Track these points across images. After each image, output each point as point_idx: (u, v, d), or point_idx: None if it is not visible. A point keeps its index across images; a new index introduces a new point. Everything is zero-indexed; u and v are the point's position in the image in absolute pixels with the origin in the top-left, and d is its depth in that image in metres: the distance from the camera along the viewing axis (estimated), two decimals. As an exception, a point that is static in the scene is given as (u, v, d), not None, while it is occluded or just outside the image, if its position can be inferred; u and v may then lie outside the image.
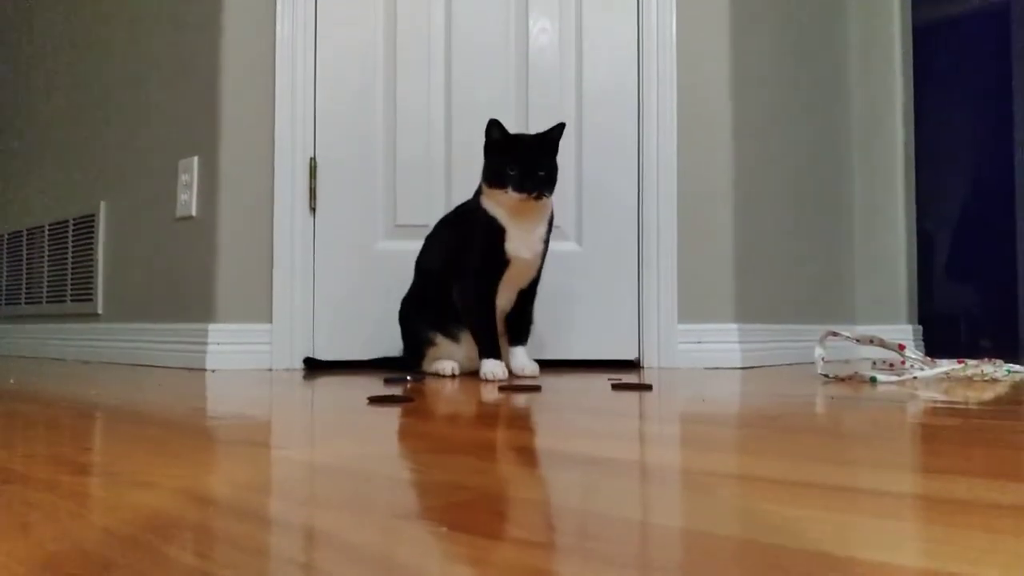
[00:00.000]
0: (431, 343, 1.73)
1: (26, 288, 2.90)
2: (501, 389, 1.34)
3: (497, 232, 1.63)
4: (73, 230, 2.61)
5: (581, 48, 2.11)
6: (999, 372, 1.55)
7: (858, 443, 0.74)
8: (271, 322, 1.95)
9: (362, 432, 0.81)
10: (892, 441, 0.75)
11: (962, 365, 1.56)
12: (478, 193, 1.69)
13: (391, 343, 1.94)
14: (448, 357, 1.72)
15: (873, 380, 1.47)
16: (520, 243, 1.64)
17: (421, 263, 1.81)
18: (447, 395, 1.26)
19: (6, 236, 3.09)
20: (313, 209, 2.00)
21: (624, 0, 2.11)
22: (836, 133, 2.75)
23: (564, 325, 2.04)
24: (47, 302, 2.75)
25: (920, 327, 2.87)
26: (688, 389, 1.40)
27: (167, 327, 2.10)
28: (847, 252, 2.77)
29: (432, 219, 2.05)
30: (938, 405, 1.09)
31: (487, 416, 0.96)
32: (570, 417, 0.97)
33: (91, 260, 2.49)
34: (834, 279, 2.68)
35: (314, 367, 1.92)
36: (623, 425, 0.89)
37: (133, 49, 2.38)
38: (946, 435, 0.79)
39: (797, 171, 2.46)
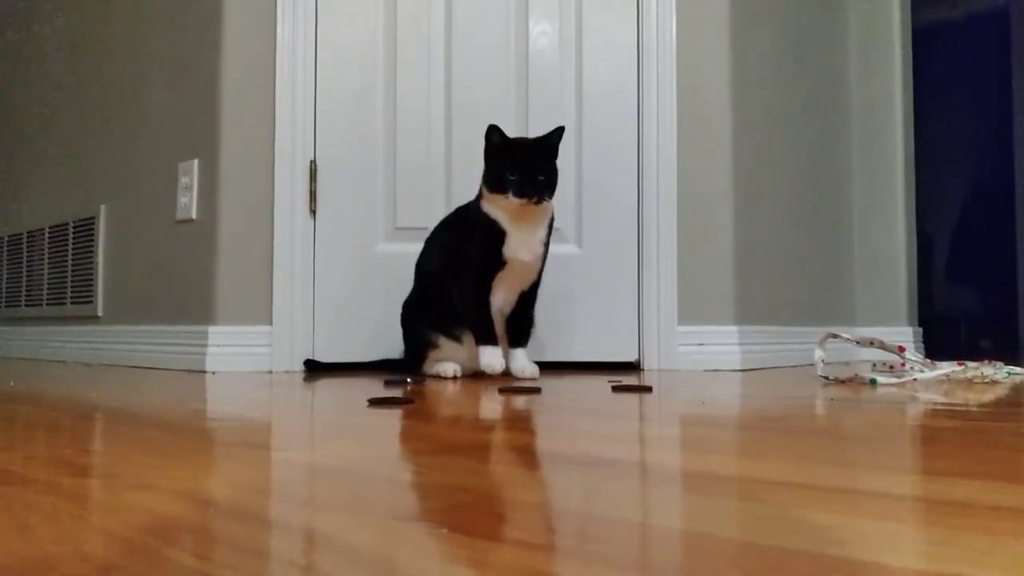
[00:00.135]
0: (433, 345, 1.73)
1: (26, 290, 2.90)
2: (501, 391, 1.34)
3: (497, 235, 1.63)
4: (73, 233, 2.61)
5: (581, 50, 2.11)
6: (999, 374, 1.55)
7: (858, 445, 0.74)
8: (271, 324, 1.95)
9: (362, 434, 0.81)
10: (892, 443, 0.75)
11: (962, 367, 1.56)
12: (479, 196, 1.69)
13: (391, 345, 1.94)
14: (450, 359, 1.71)
15: (873, 382, 1.47)
16: (519, 246, 1.64)
17: (421, 265, 1.81)
18: (447, 397, 1.26)
19: (6, 239, 3.09)
20: (313, 211, 2.00)
21: (624, 2, 2.11)
22: (836, 134, 2.75)
23: (564, 327, 2.04)
24: (47, 304, 2.75)
25: (920, 329, 2.87)
26: (688, 391, 1.40)
27: (167, 329, 2.10)
28: (847, 254, 2.77)
29: (432, 221, 2.05)
30: (938, 407, 1.09)
31: (487, 418, 0.96)
32: (570, 419, 0.97)
33: (91, 262, 2.49)
34: (834, 281, 2.68)
35: (315, 369, 1.92)
36: (623, 427, 0.89)
37: (133, 51, 2.38)
38: (946, 437, 0.79)
39: (797, 172, 2.46)
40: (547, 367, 1.88)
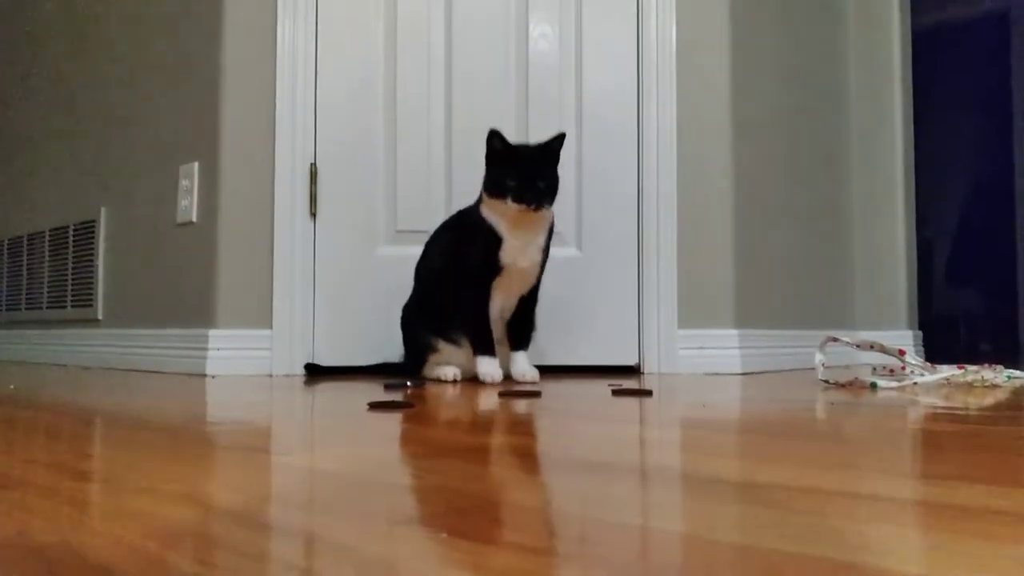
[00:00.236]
0: (433, 349, 1.73)
1: (26, 294, 2.90)
2: (501, 395, 1.33)
3: (494, 241, 1.63)
4: (74, 236, 2.62)
5: (581, 52, 2.12)
6: (999, 378, 1.55)
7: (858, 449, 0.74)
8: (271, 328, 1.95)
9: (362, 438, 0.81)
10: (892, 447, 0.75)
11: (962, 371, 1.56)
12: (479, 201, 1.69)
13: (392, 349, 1.94)
14: (450, 362, 1.72)
15: (873, 386, 1.47)
16: (518, 252, 1.64)
17: (421, 268, 1.81)
18: (447, 401, 1.26)
19: (7, 242, 3.09)
20: (313, 214, 2.01)
21: (624, 6, 2.11)
22: (836, 138, 2.75)
23: (564, 331, 2.04)
24: (47, 308, 2.75)
25: (920, 332, 2.87)
26: (688, 395, 1.40)
27: (167, 332, 2.10)
28: (847, 257, 2.77)
29: (432, 224, 2.05)
30: (938, 411, 1.09)
31: (487, 422, 0.96)
32: (570, 423, 0.97)
33: (91, 266, 2.49)
34: (834, 284, 2.68)
35: (315, 373, 1.92)
36: (623, 431, 0.89)
37: (133, 55, 2.38)
38: (946, 441, 0.79)
39: (797, 176, 2.46)
40: (547, 371, 1.88)
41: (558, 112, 2.10)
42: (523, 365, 1.69)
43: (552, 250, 1.77)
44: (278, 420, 1.02)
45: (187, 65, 2.12)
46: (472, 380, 1.69)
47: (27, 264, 2.92)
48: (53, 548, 0.39)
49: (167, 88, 2.21)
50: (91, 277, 2.49)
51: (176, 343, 2.05)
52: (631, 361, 2.05)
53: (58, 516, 0.46)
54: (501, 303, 1.68)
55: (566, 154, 2.10)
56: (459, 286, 1.67)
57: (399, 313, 1.83)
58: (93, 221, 2.51)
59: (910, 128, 2.85)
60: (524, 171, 1.60)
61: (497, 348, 1.68)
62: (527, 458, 0.68)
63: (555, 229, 1.76)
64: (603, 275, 2.07)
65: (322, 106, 2.02)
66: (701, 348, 2.03)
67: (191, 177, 2.06)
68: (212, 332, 1.93)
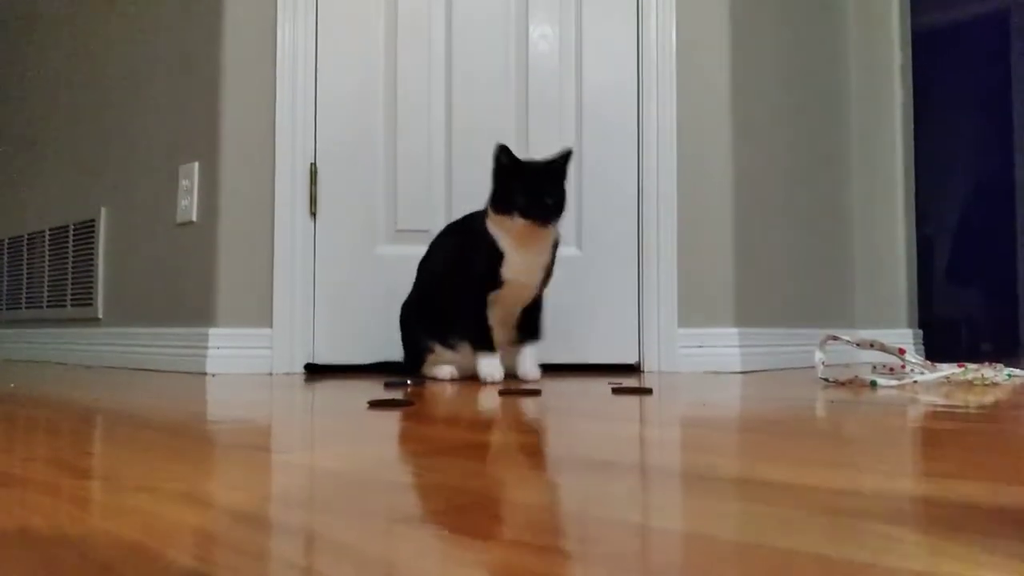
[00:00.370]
0: (430, 351, 1.73)
1: (27, 293, 2.90)
2: (501, 393, 1.34)
3: (496, 255, 1.61)
4: (74, 235, 2.62)
5: (581, 53, 2.12)
6: (999, 376, 1.55)
7: (858, 447, 0.74)
8: (271, 326, 1.95)
9: (362, 436, 0.81)
10: (892, 445, 0.75)
11: (962, 369, 1.56)
12: (485, 213, 1.66)
13: (392, 347, 1.94)
14: (448, 362, 1.72)
15: (873, 384, 1.47)
16: (520, 269, 1.62)
17: (423, 270, 1.80)
18: (447, 399, 1.26)
19: (7, 241, 3.09)
20: (313, 214, 2.01)
21: (624, 6, 2.11)
22: (836, 137, 2.75)
23: (565, 329, 2.04)
24: (48, 307, 2.75)
25: (920, 331, 2.87)
26: (689, 393, 1.41)
27: (167, 331, 2.10)
28: (847, 256, 2.77)
29: (433, 224, 2.05)
30: (938, 409, 1.09)
31: (487, 420, 0.96)
32: (571, 421, 0.97)
33: (92, 265, 2.49)
34: (834, 283, 2.68)
35: (315, 372, 1.92)
36: (624, 429, 0.89)
37: (133, 55, 2.38)
38: (946, 439, 0.79)
39: (797, 175, 2.46)
40: (548, 369, 1.88)
41: (558, 112, 2.10)
42: (528, 364, 1.67)
43: (552, 249, 1.77)
44: (278, 418, 1.02)
45: (187, 64, 2.12)
46: (472, 378, 1.69)
47: (27, 263, 2.92)
48: (53, 546, 0.39)
49: (167, 87, 2.21)
50: (91, 276, 2.49)
51: (176, 342, 2.05)
52: (631, 359, 2.05)
53: (58, 514, 0.46)
54: (500, 314, 1.67)
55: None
56: (459, 293, 1.66)
57: (399, 312, 1.83)
58: (93, 220, 2.51)
59: (910, 127, 2.85)
60: (532, 187, 1.57)
61: (500, 350, 1.67)
62: (527, 456, 0.68)
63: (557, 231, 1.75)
64: (603, 274, 2.07)
65: (322, 105, 2.02)
66: (701, 347, 2.03)
67: (191, 177, 2.06)
68: (212, 331, 1.93)
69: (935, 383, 1.53)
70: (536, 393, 1.33)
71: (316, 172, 2.01)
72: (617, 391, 1.38)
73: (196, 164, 2.05)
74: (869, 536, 0.40)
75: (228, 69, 1.98)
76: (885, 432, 0.84)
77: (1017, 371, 1.60)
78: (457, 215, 2.06)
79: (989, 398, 1.24)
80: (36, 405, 1.16)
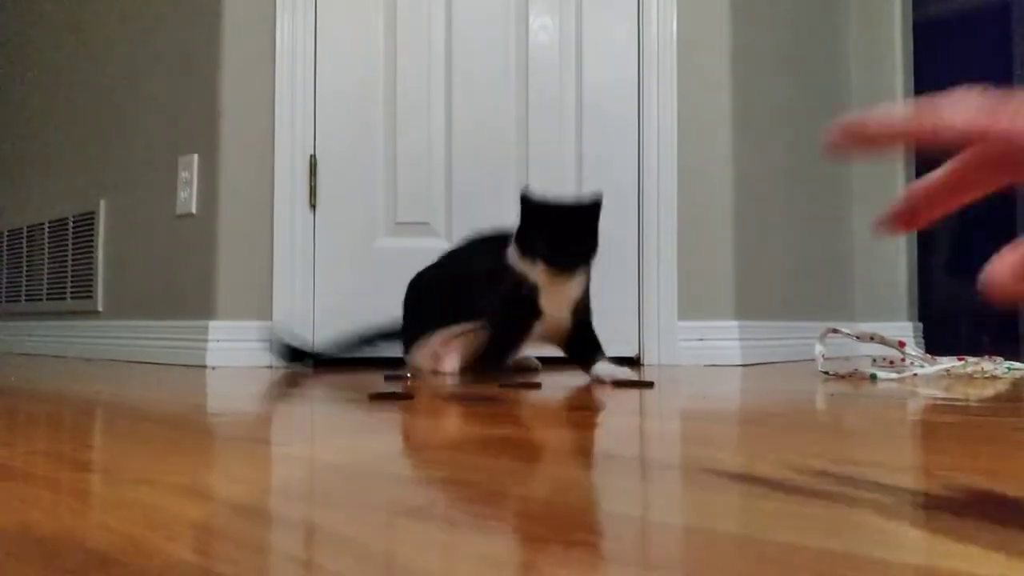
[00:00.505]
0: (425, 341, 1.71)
1: (26, 285, 2.90)
2: (501, 386, 1.34)
3: (531, 291, 1.49)
4: (73, 227, 2.61)
5: (581, 44, 2.11)
6: (999, 369, 1.55)
7: (858, 440, 0.74)
8: (271, 319, 1.95)
9: (363, 429, 0.81)
10: (892, 438, 0.75)
11: (962, 362, 1.56)
12: (512, 244, 1.55)
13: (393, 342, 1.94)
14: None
15: (873, 377, 1.47)
16: (551, 306, 1.52)
17: (454, 264, 1.71)
18: (447, 392, 1.26)
19: (6, 233, 3.09)
20: (313, 206, 2.00)
21: (624, 2, 2.11)
22: (836, 130, 2.74)
23: (564, 322, 2.04)
24: (47, 299, 2.75)
25: (920, 324, 2.87)
26: (689, 386, 1.41)
27: (167, 324, 2.10)
28: (847, 249, 2.77)
29: (433, 216, 2.05)
30: (938, 402, 1.09)
31: (488, 413, 0.96)
32: (571, 414, 0.97)
33: (91, 257, 2.49)
34: (834, 276, 2.68)
35: (294, 357, 1.87)
36: (624, 422, 0.89)
37: (132, 46, 2.37)
38: (946, 432, 0.79)
39: (797, 167, 2.45)
40: (547, 362, 1.88)
41: (558, 104, 2.09)
42: (605, 369, 1.51)
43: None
44: (278, 411, 1.02)
45: (186, 56, 2.11)
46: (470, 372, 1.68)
47: (27, 256, 2.92)
48: (53, 539, 0.39)
49: (166, 79, 2.20)
50: (91, 269, 2.49)
51: (176, 335, 2.05)
52: (631, 352, 2.05)
53: (59, 507, 0.46)
54: (542, 341, 1.58)
55: (566, 144, 2.10)
56: (491, 323, 1.57)
57: (399, 304, 1.82)
58: (92, 213, 2.50)
59: (911, 120, 2.84)
60: (556, 233, 1.44)
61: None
62: (527, 449, 0.68)
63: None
64: (603, 266, 2.06)
65: (322, 97, 2.01)
66: (701, 339, 2.03)
67: (190, 169, 2.05)
68: (212, 323, 1.93)
69: (935, 376, 1.53)
70: (536, 386, 1.34)
71: (316, 164, 2.01)
72: (618, 384, 1.38)
73: (195, 156, 2.04)
74: (869, 530, 0.40)
75: (227, 60, 1.97)
76: (885, 425, 0.84)
77: (1017, 364, 1.60)
78: (457, 208, 2.06)
79: (989, 391, 1.24)
80: (36, 398, 1.16)
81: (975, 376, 1.53)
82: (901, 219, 0.46)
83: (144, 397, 1.17)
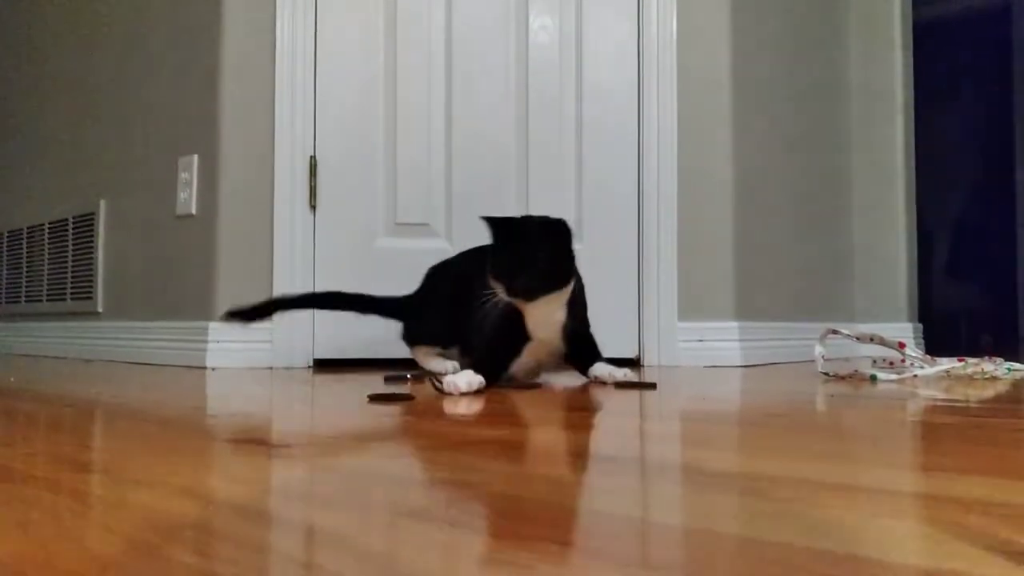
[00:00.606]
0: (426, 345, 1.71)
1: (26, 286, 2.90)
2: (502, 388, 1.33)
3: (515, 314, 1.41)
4: (73, 228, 2.61)
5: (581, 45, 2.11)
6: (999, 370, 1.55)
7: (859, 441, 0.74)
8: (271, 320, 1.95)
9: (363, 430, 0.81)
10: (892, 439, 0.75)
11: (962, 363, 1.56)
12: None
13: (393, 342, 1.94)
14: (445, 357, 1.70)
15: (873, 378, 1.47)
16: (537, 329, 1.43)
17: (465, 274, 1.65)
18: (447, 393, 1.26)
19: (6, 234, 3.08)
20: (313, 207, 2.00)
21: (624, 1, 2.11)
22: (837, 131, 2.74)
23: (564, 323, 2.04)
24: (47, 300, 2.75)
25: (920, 325, 2.87)
26: (689, 387, 1.41)
27: (167, 325, 2.10)
28: (847, 250, 2.77)
29: (432, 217, 2.05)
30: (938, 403, 1.09)
31: (488, 414, 0.96)
32: (572, 415, 0.97)
33: (91, 258, 2.49)
34: (834, 277, 2.68)
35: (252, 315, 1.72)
36: (626, 423, 0.89)
37: (133, 47, 2.38)
38: (946, 433, 0.79)
39: (797, 168, 2.45)
40: (547, 363, 1.88)
41: (558, 104, 2.09)
42: (605, 370, 1.47)
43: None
44: (278, 413, 1.02)
45: (186, 57, 2.11)
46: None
47: (27, 257, 2.91)
48: (54, 540, 0.38)
49: (166, 80, 2.20)
50: (91, 269, 2.49)
51: (176, 335, 2.05)
52: (631, 354, 2.05)
53: (58, 508, 0.46)
54: (522, 364, 1.49)
55: (566, 146, 2.10)
56: (478, 344, 1.51)
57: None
58: (92, 214, 2.50)
59: (911, 120, 2.84)
60: (515, 256, 1.34)
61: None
62: (528, 450, 0.68)
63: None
64: (603, 268, 2.07)
65: (321, 97, 2.01)
66: (701, 341, 2.03)
67: (190, 169, 2.05)
68: (212, 325, 1.93)
69: (935, 377, 1.53)
70: (536, 387, 1.33)
71: (316, 165, 2.01)
72: (620, 385, 1.38)
73: (195, 157, 2.04)
74: (870, 531, 0.40)
75: (227, 61, 1.97)
76: (885, 426, 0.84)
77: (1017, 365, 1.59)
78: (457, 209, 2.06)
79: (989, 392, 1.24)
80: (36, 399, 1.16)
81: (975, 377, 1.53)
82: None
83: (144, 398, 1.17)
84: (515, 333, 1.41)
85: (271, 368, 1.90)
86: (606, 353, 1.56)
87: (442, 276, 1.74)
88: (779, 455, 0.64)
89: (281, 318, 1.95)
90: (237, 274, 1.95)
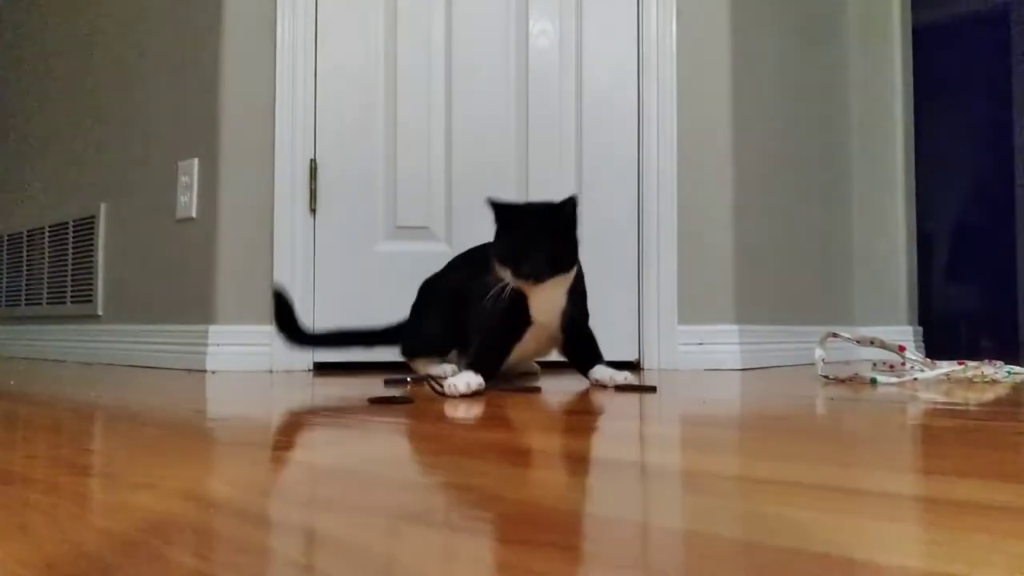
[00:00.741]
0: (431, 355, 1.70)
1: (26, 289, 2.90)
2: (501, 391, 1.33)
3: (516, 299, 1.43)
4: (73, 231, 2.61)
5: (581, 49, 2.11)
6: (999, 373, 1.55)
7: (859, 444, 0.74)
8: (271, 323, 1.95)
9: (363, 433, 0.81)
10: (892, 442, 0.75)
11: (962, 366, 1.56)
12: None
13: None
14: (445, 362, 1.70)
15: (873, 381, 1.47)
16: (539, 312, 1.46)
17: (454, 278, 1.69)
18: (447, 396, 1.26)
19: (6, 237, 3.09)
20: (313, 210, 2.00)
21: (624, 2, 2.11)
22: (836, 133, 2.75)
23: (564, 326, 2.04)
24: (47, 303, 2.75)
25: (920, 328, 2.87)
26: (690, 391, 1.41)
27: (167, 328, 2.10)
28: (847, 253, 2.77)
29: (433, 220, 2.05)
30: (938, 406, 1.09)
31: (488, 418, 0.96)
32: (572, 419, 0.97)
33: (91, 261, 2.49)
34: (834, 280, 2.68)
35: (291, 330, 1.76)
36: (625, 426, 0.89)
37: (133, 51, 2.38)
38: (946, 436, 0.79)
39: (797, 171, 2.46)
40: (547, 366, 1.88)
41: (558, 109, 2.10)
42: (606, 373, 1.49)
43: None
44: (278, 416, 1.02)
45: (186, 61, 2.12)
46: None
47: (27, 260, 2.92)
48: (53, 543, 0.38)
49: (166, 84, 2.20)
50: (91, 273, 2.49)
51: (176, 339, 2.05)
52: (631, 357, 2.05)
53: (58, 511, 0.46)
54: (522, 348, 1.52)
55: (566, 150, 2.10)
56: (480, 336, 1.51)
57: (400, 309, 1.81)
58: (92, 217, 2.50)
59: (910, 124, 2.85)
60: (522, 239, 1.37)
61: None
62: (528, 454, 0.68)
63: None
64: (603, 271, 2.07)
65: (322, 100, 2.02)
66: (701, 344, 2.03)
67: (190, 173, 2.05)
68: (212, 328, 1.93)
69: (935, 380, 1.53)
70: (536, 390, 1.33)
71: (316, 168, 2.01)
72: (620, 389, 1.38)
73: (195, 160, 2.04)
74: (870, 534, 0.40)
75: (227, 65, 1.98)
76: (885, 430, 0.84)
77: (1017, 368, 1.59)
78: (457, 212, 2.06)
79: (989, 396, 1.24)
80: (36, 402, 1.16)
81: (975, 380, 1.53)
82: None
83: (144, 401, 1.17)
84: (517, 317, 1.45)
85: (271, 371, 1.90)
86: (606, 356, 1.57)
87: (431, 288, 1.76)
88: (779, 458, 0.64)
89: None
90: (237, 277, 1.95)
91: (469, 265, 1.67)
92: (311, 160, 2.00)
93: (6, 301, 3.05)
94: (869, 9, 2.84)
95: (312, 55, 2.01)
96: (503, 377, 1.65)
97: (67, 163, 2.72)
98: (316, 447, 0.72)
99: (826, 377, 1.59)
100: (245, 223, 1.96)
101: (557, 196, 1.70)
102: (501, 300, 1.43)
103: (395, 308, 1.85)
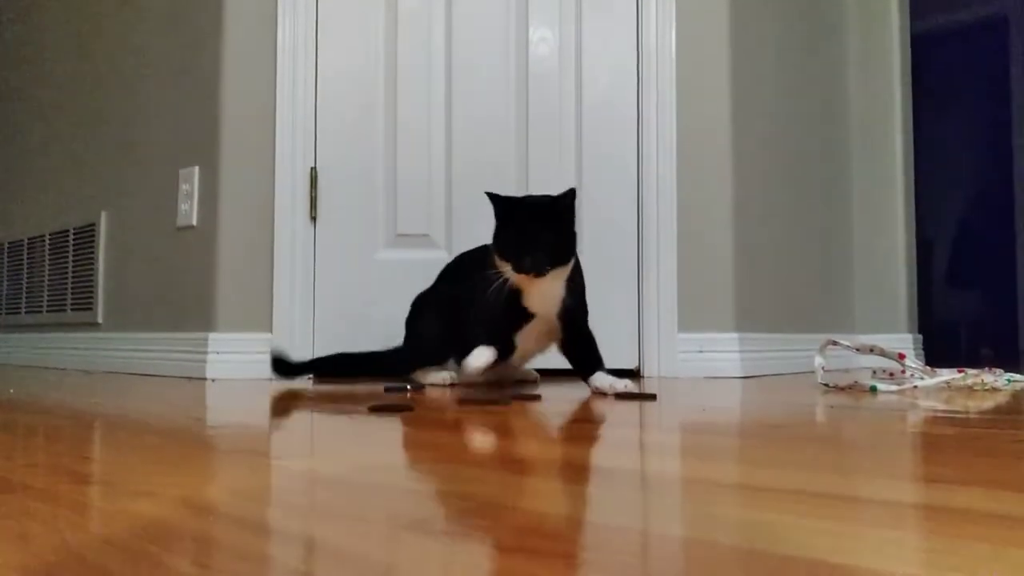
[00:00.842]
0: (422, 368, 1.70)
1: (26, 297, 2.90)
2: (501, 399, 1.33)
3: (515, 292, 1.48)
4: (74, 239, 2.62)
5: (581, 56, 2.12)
6: (999, 381, 1.55)
7: (858, 452, 0.74)
8: (271, 331, 1.95)
9: (363, 441, 0.81)
10: (892, 450, 0.75)
11: (962, 374, 1.56)
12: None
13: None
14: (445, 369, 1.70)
15: (873, 389, 1.47)
16: (536, 305, 1.51)
17: (447, 287, 1.71)
18: (447, 404, 1.26)
19: (7, 245, 3.09)
20: (314, 218, 2.01)
21: (624, 11, 2.12)
22: (835, 141, 2.75)
23: (564, 334, 2.04)
24: (47, 311, 2.75)
25: (920, 336, 2.87)
26: (690, 399, 1.41)
27: (167, 336, 2.10)
28: (847, 260, 2.77)
29: (433, 228, 2.06)
30: (938, 414, 1.09)
31: (488, 425, 0.96)
32: (572, 427, 0.97)
33: (92, 269, 2.49)
34: (834, 288, 2.68)
35: (290, 371, 1.84)
36: (626, 434, 0.89)
37: (133, 59, 2.39)
38: (946, 444, 0.79)
39: (796, 179, 2.46)
40: (547, 373, 1.88)
41: (558, 115, 2.10)
42: (604, 381, 1.49)
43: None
44: (278, 423, 1.02)
45: (187, 69, 2.12)
46: (468, 385, 1.68)
47: (27, 268, 2.92)
48: (53, 551, 0.38)
49: (167, 92, 2.21)
50: (91, 281, 2.49)
51: (176, 347, 2.05)
52: (631, 364, 2.05)
53: (58, 519, 0.45)
54: (521, 348, 1.57)
55: (567, 156, 2.11)
56: (477, 329, 1.54)
57: (400, 316, 1.82)
58: (93, 225, 2.51)
59: (910, 132, 2.85)
60: (523, 233, 1.41)
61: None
62: (528, 462, 0.68)
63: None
64: (603, 278, 2.07)
65: (322, 109, 2.02)
66: (701, 351, 2.03)
67: (191, 181, 2.06)
68: (212, 336, 1.93)
69: (935, 388, 1.52)
70: (536, 398, 1.33)
71: (316, 176, 2.01)
72: (620, 397, 1.38)
73: (196, 168, 2.05)
74: (869, 542, 0.40)
75: (228, 73, 1.98)
76: (885, 437, 0.84)
77: (1017, 376, 1.59)
78: (457, 219, 2.07)
79: (989, 404, 1.24)
80: (36, 410, 1.16)
81: (975, 388, 1.52)
82: None
83: (144, 409, 1.17)
84: (518, 308, 1.49)
85: (271, 379, 1.90)
86: (607, 364, 1.57)
87: (424, 300, 1.77)
88: (779, 466, 0.64)
89: (280, 330, 1.95)
90: (237, 285, 1.95)
91: (457, 270, 1.73)
92: (311, 168, 2.01)
93: (6, 308, 3.05)
94: (868, 13, 2.85)
95: (313, 64, 2.02)
96: (502, 385, 1.65)
97: (68, 171, 2.73)
98: (316, 455, 0.72)
99: (826, 385, 1.58)
100: (245, 231, 1.97)
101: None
102: (502, 292, 1.48)
103: (396, 316, 1.85)
